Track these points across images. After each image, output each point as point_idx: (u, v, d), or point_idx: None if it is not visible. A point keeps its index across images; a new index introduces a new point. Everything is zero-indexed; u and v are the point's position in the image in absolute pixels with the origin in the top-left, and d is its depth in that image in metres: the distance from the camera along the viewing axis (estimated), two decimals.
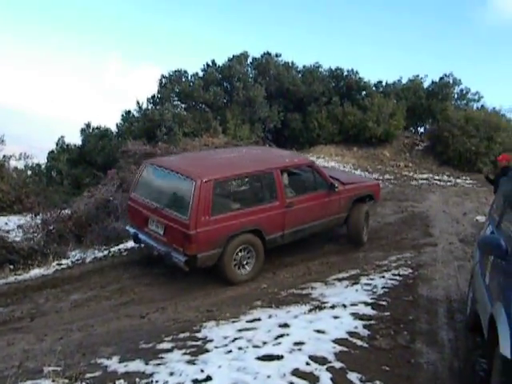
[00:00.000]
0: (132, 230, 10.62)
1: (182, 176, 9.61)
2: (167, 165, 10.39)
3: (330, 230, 12.14)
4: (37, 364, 5.84)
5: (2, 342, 7.25)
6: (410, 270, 9.15)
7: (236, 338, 5.73)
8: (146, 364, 5.25)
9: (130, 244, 13.18)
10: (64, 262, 11.77)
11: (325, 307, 6.71)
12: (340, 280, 8.60)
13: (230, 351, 5.36)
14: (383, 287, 7.84)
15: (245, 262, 9.83)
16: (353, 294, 7.42)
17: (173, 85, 29.41)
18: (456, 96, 33.41)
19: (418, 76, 33.32)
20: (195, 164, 10.64)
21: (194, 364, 5.08)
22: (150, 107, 28.87)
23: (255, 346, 5.43)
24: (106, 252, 12.52)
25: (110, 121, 38.07)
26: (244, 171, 10.23)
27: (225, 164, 10.64)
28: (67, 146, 29.04)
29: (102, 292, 9.72)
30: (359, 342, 5.60)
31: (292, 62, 32.94)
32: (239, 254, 9.70)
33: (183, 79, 29.86)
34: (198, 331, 6.31)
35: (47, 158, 28.27)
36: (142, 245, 10.69)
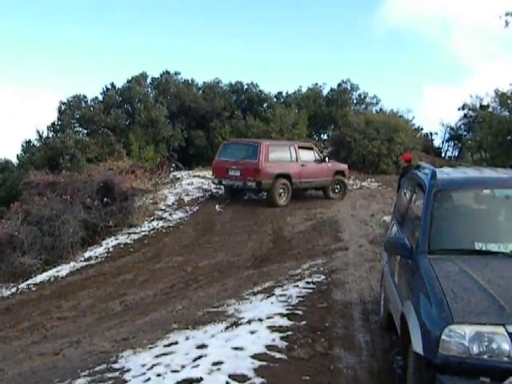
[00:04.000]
0: (217, 179, 18.75)
1: (252, 143, 18.77)
2: (240, 140, 21.79)
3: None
4: None
5: None
6: (323, 277, 9.23)
7: (154, 365, 5.57)
8: None
9: (40, 278, 12.77)
10: None
11: (241, 323, 6.65)
12: (255, 294, 8.57)
13: (149, 379, 5.21)
14: (298, 296, 7.86)
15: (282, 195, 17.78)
16: (268, 306, 7.39)
17: (72, 110, 28.72)
18: (355, 101, 34.42)
19: (317, 84, 34.09)
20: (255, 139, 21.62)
21: None
22: (50, 135, 28.05)
23: (174, 371, 5.29)
24: (13, 289, 12.06)
25: (11, 152, 36.69)
26: (279, 143, 20.22)
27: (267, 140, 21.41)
28: None
29: (11, 332, 9.30)
30: (278, 355, 5.57)
31: (192, 79, 32.99)
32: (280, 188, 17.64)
33: (83, 104, 29.21)
34: (115, 362, 6.09)
35: None
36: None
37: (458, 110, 32.76)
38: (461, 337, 3.64)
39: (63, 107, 28.74)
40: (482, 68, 64.29)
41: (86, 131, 29.09)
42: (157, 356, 5.87)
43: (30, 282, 12.62)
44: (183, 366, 5.37)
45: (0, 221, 16.49)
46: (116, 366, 5.91)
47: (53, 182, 18.61)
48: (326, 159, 19.43)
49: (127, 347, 6.71)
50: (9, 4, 55.48)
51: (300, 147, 19.02)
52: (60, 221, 15.54)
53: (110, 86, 30.30)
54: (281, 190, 17.67)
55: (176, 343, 6.29)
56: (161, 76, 32.16)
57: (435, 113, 75.20)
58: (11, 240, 14.83)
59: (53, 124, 28.47)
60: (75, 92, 29.23)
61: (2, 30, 61.03)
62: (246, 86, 33.08)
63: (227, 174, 17.86)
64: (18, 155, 28.20)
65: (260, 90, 32.84)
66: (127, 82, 30.42)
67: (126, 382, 5.27)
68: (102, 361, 6.28)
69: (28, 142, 28.19)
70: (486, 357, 3.60)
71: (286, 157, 18.19)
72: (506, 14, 18.80)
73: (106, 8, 65.72)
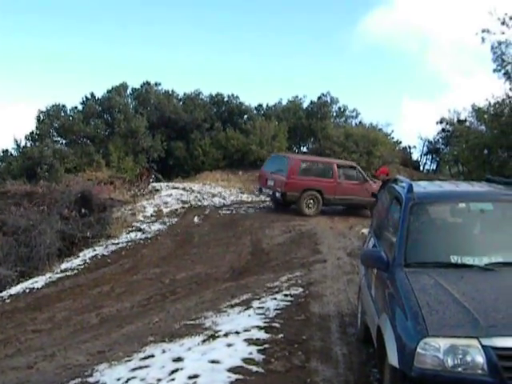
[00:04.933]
0: (259, 187, 20.78)
1: (286, 156, 20.90)
2: (280, 154, 23.72)
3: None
4: None
5: None
6: (301, 289, 9.22)
7: (129, 379, 5.52)
8: None
9: (15, 289, 12.64)
10: None
11: (218, 336, 6.62)
12: (232, 306, 8.53)
13: None
14: (275, 309, 7.84)
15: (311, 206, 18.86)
16: (245, 319, 7.36)
17: (51, 120, 28.60)
18: (335, 114, 34.57)
19: (297, 97, 34.23)
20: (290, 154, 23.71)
21: None
22: (28, 145, 27.90)
23: None
24: None
25: None
26: (314, 159, 21.45)
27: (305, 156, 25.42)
28: None
29: None
30: (254, 368, 5.55)
31: (172, 90, 33.06)
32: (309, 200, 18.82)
33: (62, 113, 29.10)
34: (90, 375, 6.03)
35: None
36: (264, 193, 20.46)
37: (436, 124, 33.20)
38: (436, 350, 3.65)
39: (42, 116, 28.60)
40: (460, 83, 65.11)
41: (64, 141, 28.99)
42: (132, 369, 5.83)
43: (4, 293, 12.46)
44: (159, 380, 5.35)
45: None
46: (91, 379, 5.85)
47: (30, 192, 18.49)
48: (367, 179, 20.08)
49: (102, 360, 6.65)
50: None
51: (339, 166, 20.09)
52: (37, 231, 15.41)
53: (89, 96, 30.23)
54: (310, 202, 18.88)
55: (152, 356, 6.24)
56: (141, 87, 32.19)
57: (414, 127, 75.92)
58: None
59: (31, 133, 28.33)
60: (54, 101, 29.14)
61: None
62: (226, 98, 33.19)
63: (266, 183, 19.77)
64: None
65: (240, 102, 32.98)
66: (107, 92, 30.42)
67: None
68: (77, 374, 6.21)
69: (5, 152, 28.00)
70: (460, 369, 3.62)
71: (320, 173, 19.43)
72: (483, 31, 19.08)
73: (85, 18, 65.61)
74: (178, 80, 67.60)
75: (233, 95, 33.21)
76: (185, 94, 33.19)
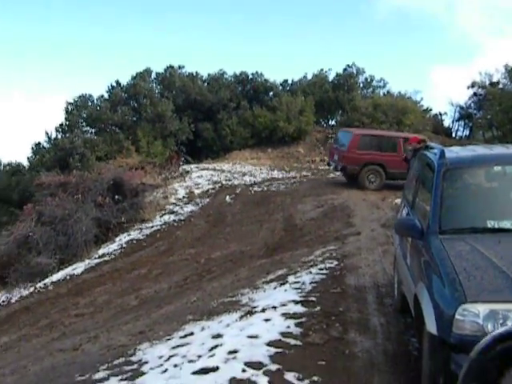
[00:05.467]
0: (328, 161, 21.76)
1: (349, 131, 20.69)
2: (347, 129, 22.75)
3: None
4: None
5: None
6: (336, 262, 9.19)
7: (171, 356, 5.58)
8: None
9: (56, 277, 12.88)
10: None
11: (255, 311, 6.65)
12: (268, 282, 8.56)
13: (166, 370, 5.22)
14: (311, 283, 7.83)
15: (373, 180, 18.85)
16: (282, 294, 7.37)
17: (79, 110, 28.91)
18: (362, 85, 34.14)
19: (322, 70, 33.86)
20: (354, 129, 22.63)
21: None
22: (59, 136, 28.25)
23: (190, 361, 5.30)
24: (31, 289, 12.25)
25: (22, 155, 37.23)
26: (378, 133, 21.17)
27: (367, 130, 23.64)
28: None
29: (31, 330, 9.45)
30: (293, 341, 5.56)
31: (196, 72, 33.00)
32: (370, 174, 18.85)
33: (89, 103, 29.37)
34: (133, 355, 6.12)
35: None
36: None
37: (468, 88, 32.40)
38: (475, 315, 3.61)
39: (70, 107, 28.91)
40: (491, 44, 63.65)
41: (93, 130, 29.28)
42: (173, 347, 5.89)
43: (46, 280, 12.76)
44: (199, 356, 5.38)
45: (14, 223, 16.66)
46: (134, 358, 5.94)
47: (64, 182, 18.76)
48: None
49: (144, 340, 6.75)
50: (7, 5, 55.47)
51: (406, 139, 18.70)
52: (73, 220, 15.67)
53: (115, 84, 30.42)
54: (371, 176, 18.91)
55: (192, 334, 6.30)
56: (165, 71, 32.21)
57: (444, 93, 74.67)
58: (26, 241, 15.03)
59: (61, 125, 28.68)
60: (81, 92, 29.45)
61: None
62: (250, 76, 32.98)
63: (333, 157, 20.24)
64: (28, 158, 28.51)
65: (265, 79, 32.76)
66: (132, 78, 30.55)
67: (144, 373, 5.29)
68: (120, 354, 6.31)
69: (38, 144, 28.43)
70: None
71: (384, 147, 19.30)
72: None
73: (105, 5, 65.75)
74: (201, 61, 67.46)
75: (257, 73, 33.02)
76: (209, 75, 33.17)
